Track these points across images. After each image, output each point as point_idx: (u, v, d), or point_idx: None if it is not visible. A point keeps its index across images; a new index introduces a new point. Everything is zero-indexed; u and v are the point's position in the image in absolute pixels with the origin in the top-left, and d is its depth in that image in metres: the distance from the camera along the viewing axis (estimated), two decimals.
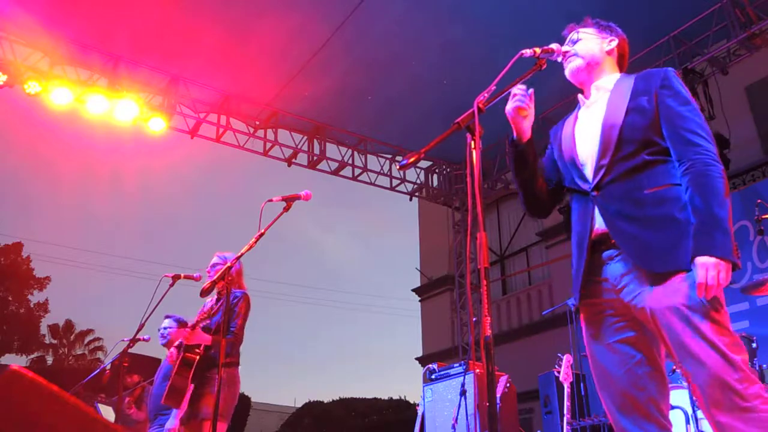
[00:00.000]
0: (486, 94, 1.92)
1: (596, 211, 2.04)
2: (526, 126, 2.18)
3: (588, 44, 2.24)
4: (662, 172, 1.98)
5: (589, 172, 2.08)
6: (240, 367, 3.98)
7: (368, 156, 9.76)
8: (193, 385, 3.79)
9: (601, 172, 2.03)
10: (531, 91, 2.14)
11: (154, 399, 4.79)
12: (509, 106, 2.13)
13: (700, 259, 1.81)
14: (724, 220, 1.84)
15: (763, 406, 1.74)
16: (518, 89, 2.11)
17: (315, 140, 9.31)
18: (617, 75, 2.21)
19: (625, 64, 2.28)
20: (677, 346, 1.84)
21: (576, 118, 2.24)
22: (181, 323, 4.96)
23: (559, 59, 2.25)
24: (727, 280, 1.80)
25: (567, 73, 2.27)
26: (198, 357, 3.84)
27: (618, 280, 1.99)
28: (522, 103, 2.11)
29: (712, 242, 1.81)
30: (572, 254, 2.13)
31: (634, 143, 2.00)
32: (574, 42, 2.27)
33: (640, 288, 1.93)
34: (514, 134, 2.21)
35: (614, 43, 2.25)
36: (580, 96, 2.27)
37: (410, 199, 10.72)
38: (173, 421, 4.24)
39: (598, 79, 2.21)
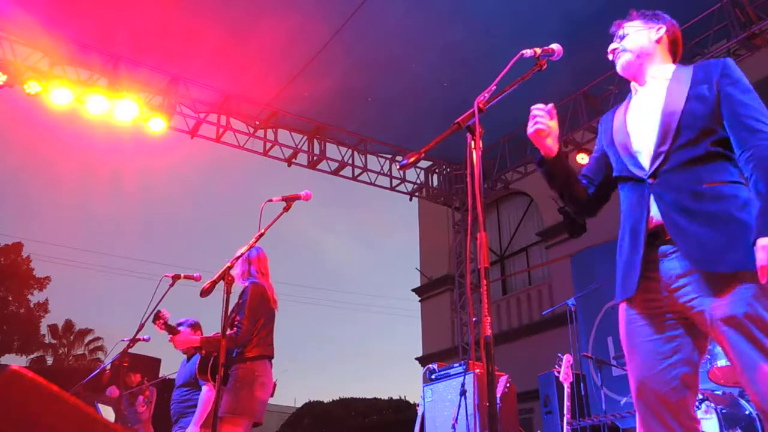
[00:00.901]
0: (486, 94, 1.91)
1: (652, 199, 1.98)
2: (549, 143, 2.15)
3: (635, 37, 2.22)
4: (723, 167, 1.94)
5: (645, 159, 2.03)
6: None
7: (368, 156, 9.76)
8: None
9: (659, 159, 1.98)
10: (550, 106, 2.13)
11: (172, 403, 4.80)
12: (530, 129, 2.13)
13: (762, 241, 1.75)
14: None
15: None
16: (537, 110, 2.11)
17: (315, 140, 9.31)
18: (673, 65, 2.18)
19: (679, 51, 2.25)
20: (738, 356, 1.80)
21: (627, 107, 2.21)
22: (193, 326, 4.97)
23: (610, 57, 2.28)
24: None
25: (618, 69, 2.25)
26: (212, 358, 3.82)
27: (673, 279, 1.94)
28: (541, 125, 2.10)
29: None
30: (621, 245, 2.07)
31: (695, 130, 1.96)
32: (622, 38, 2.25)
33: (699, 292, 1.88)
34: (541, 153, 2.20)
35: (662, 31, 2.22)
36: (633, 84, 2.24)
37: (410, 199, 10.72)
38: (193, 428, 4.26)
39: (651, 68, 2.19)
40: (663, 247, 1.97)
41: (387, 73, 8.10)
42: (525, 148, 9.47)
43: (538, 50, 2.10)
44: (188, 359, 5.00)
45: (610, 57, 2.27)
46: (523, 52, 2.05)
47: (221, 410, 3.59)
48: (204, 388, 4.38)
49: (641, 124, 2.10)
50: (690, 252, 1.88)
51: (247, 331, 3.70)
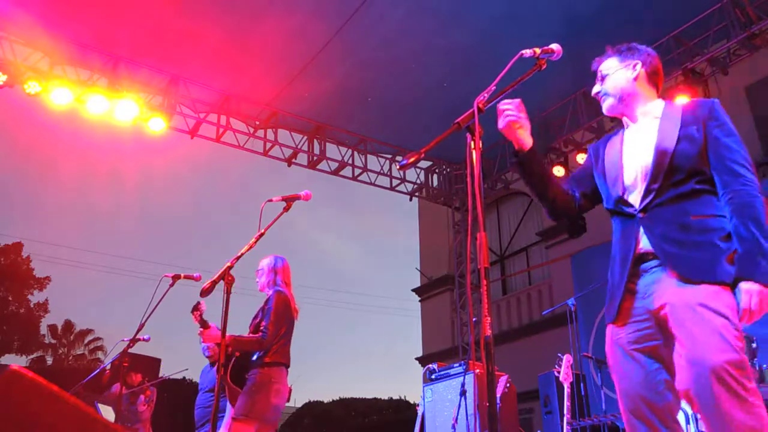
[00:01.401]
0: (486, 95, 1.92)
1: (641, 231, 2.10)
2: (522, 135, 2.23)
3: (614, 79, 2.27)
4: (708, 202, 2.05)
5: (635, 195, 2.14)
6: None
7: (368, 156, 9.76)
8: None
9: (651, 196, 2.09)
10: (518, 100, 2.19)
11: (197, 408, 4.82)
12: (501, 123, 2.19)
13: (745, 285, 1.89)
14: (767, 247, 1.91)
15: (758, 403, 1.80)
16: (505, 104, 2.17)
17: (315, 140, 9.31)
18: (660, 101, 2.25)
19: (659, 81, 2.30)
20: (686, 334, 1.90)
21: (622, 141, 2.27)
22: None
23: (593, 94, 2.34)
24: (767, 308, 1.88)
25: (604, 111, 2.33)
26: (233, 359, 3.86)
27: (647, 288, 2.07)
28: (513, 117, 2.17)
29: (757, 269, 1.89)
30: (611, 271, 2.23)
31: (684, 171, 2.06)
32: (602, 79, 2.31)
33: (663, 288, 2.01)
34: (515, 146, 2.26)
35: (639, 66, 2.26)
36: (625, 119, 2.30)
37: (410, 199, 10.72)
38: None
39: (638, 106, 2.25)
40: (646, 264, 2.10)
41: (387, 73, 8.10)
42: None
43: (538, 50, 2.11)
44: (211, 365, 5.04)
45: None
46: (523, 52, 2.06)
47: (235, 411, 3.68)
48: None
49: (634, 161, 2.18)
50: (677, 266, 2.00)
51: (272, 336, 3.79)
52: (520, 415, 7.05)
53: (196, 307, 3.78)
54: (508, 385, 5.02)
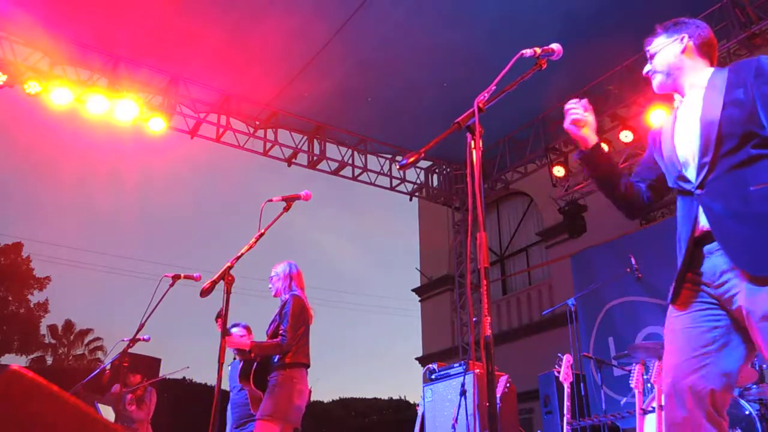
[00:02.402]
0: (486, 94, 1.92)
1: (700, 210, 2.02)
2: (586, 134, 2.25)
3: (662, 55, 2.24)
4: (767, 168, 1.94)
5: (691, 171, 2.07)
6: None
7: (368, 156, 9.76)
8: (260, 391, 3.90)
9: (704, 170, 2.01)
10: (584, 100, 2.24)
11: (235, 407, 4.82)
12: (566, 123, 2.24)
13: None
14: None
15: None
16: (571, 104, 2.22)
17: (315, 140, 9.31)
18: (709, 69, 2.18)
19: (712, 52, 2.24)
20: None
21: (675, 118, 2.22)
22: (246, 329, 5.02)
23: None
24: None
25: (655, 89, 2.30)
26: (255, 363, 3.96)
27: (716, 276, 1.98)
28: (577, 116, 2.22)
29: None
30: (677, 251, 2.13)
31: (736, 137, 1.96)
32: (651, 57, 2.28)
33: (738, 287, 1.91)
34: (580, 146, 2.29)
35: (686, 39, 2.21)
36: (676, 96, 2.26)
37: (410, 199, 10.72)
38: None
39: (687, 79, 2.20)
40: (708, 246, 2.00)
41: (387, 73, 8.10)
42: (525, 148, 9.47)
43: (538, 50, 2.10)
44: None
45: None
46: (523, 52, 2.05)
47: (259, 412, 3.77)
48: None
49: (684, 135, 2.12)
50: (736, 255, 1.90)
51: (291, 339, 3.91)
52: (520, 415, 7.06)
53: (220, 314, 3.82)
54: (508, 385, 5.01)
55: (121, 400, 6.07)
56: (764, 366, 4.29)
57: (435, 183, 10.78)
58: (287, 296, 4.09)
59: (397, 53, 7.72)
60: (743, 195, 1.91)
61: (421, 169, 10.58)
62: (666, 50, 2.23)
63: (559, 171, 9.00)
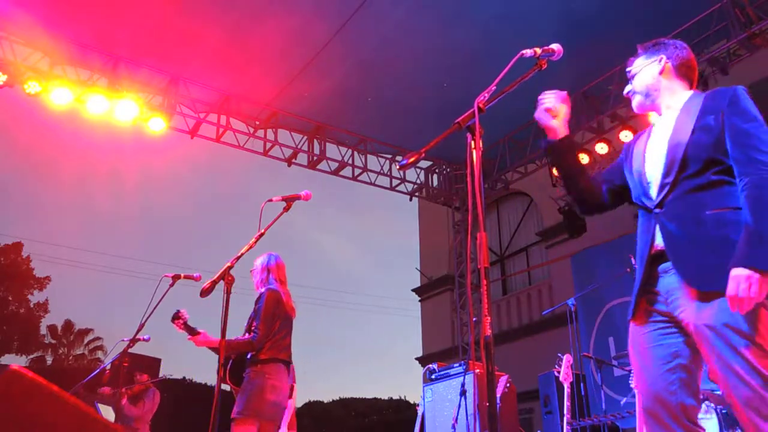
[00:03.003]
0: (486, 94, 1.92)
1: (657, 228, 2.08)
2: (555, 125, 2.28)
3: (641, 76, 2.28)
4: (727, 194, 1.98)
5: (653, 189, 2.12)
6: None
7: (368, 156, 9.76)
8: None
9: (665, 190, 2.07)
10: (564, 93, 2.29)
11: None
12: (537, 111, 2.27)
13: (734, 271, 1.82)
14: (765, 232, 1.82)
15: None
16: (546, 94, 2.27)
17: (315, 140, 9.31)
18: (688, 93, 2.22)
19: (691, 74, 2.27)
20: (718, 363, 1.88)
21: (648, 136, 2.28)
22: None
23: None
24: (762, 293, 1.79)
25: (634, 109, 2.35)
26: (230, 361, 3.89)
27: (668, 294, 2.05)
28: (549, 105, 2.26)
29: (748, 253, 1.81)
30: (637, 267, 2.19)
31: (700, 162, 2.02)
32: (632, 78, 2.32)
33: (686, 304, 1.98)
34: (548, 135, 2.32)
35: (664, 61, 2.24)
36: (653, 114, 2.30)
37: (410, 199, 10.71)
38: (282, 429, 4.31)
39: (664, 100, 2.24)
40: (663, 265, 2.08)
41: (387, 73, 8.10)
42: (525, 148, 9.47)
43: (538, 50, 2.11)
44: None
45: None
46: (523, 52, 2.06)
47: (233, 411, 3.68)
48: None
49: (653, 155, 2.18)
50: (685, 273, 1.97)
51: (263, 336, 3.80)
52: (520, 415, 7.06)
53: (176, 316, 3.74)
54: (508, 385, 5.02)
55: (113, 400, 6.09)
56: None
57: (435, 183, 10.78)
58: (263, 290, 3.97)
59: (397, 53, 7.72)
60: (699, 218, 1.97)
61: (421, 169, 10.58)
62: (645, 71, 2.27)
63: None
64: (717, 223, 1.95)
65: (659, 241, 2.06)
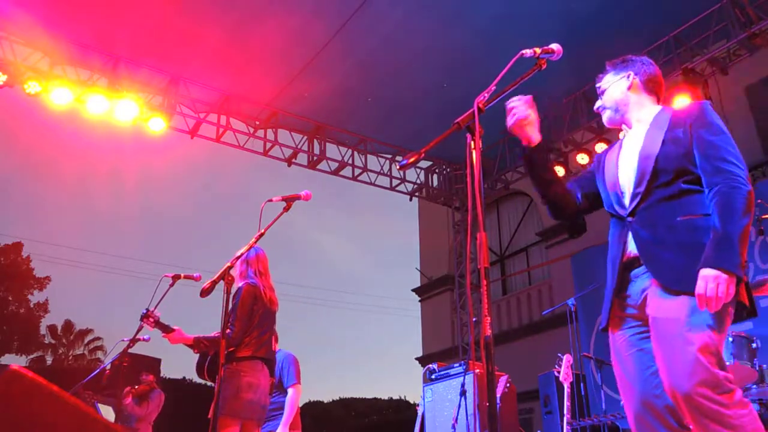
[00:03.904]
0: (486, 95, 1.92)
1: (630, 236, 2.15)
2: (529, 132, 2.30)
3: (610, 92, 2.36)
4: (697, 201, 2.06)
5: (627, 199, 2.20)
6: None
7: (368, 156, 9.76)
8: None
9: (637, 199, 2.15)
10: (528, 97, 2.26)
11: None
12: (509, 122, 2.27)
13: (703, 272, 1.89)
14: (733, 235, 1.90)
15: (738, 413, 1.82)
16: (513, 102, 2.24)
17: (315, 140, 9.31)
18: (656, 107, 2.30)
19: (657, 89, 2.35)
20: (660, 356, 1.94)
21: (620, 147, 2.34)
22: None
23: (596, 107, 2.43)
24: (729, 293, 1.86)
25: (605, 123, 2.44)
26: (209, 357, 3.80)
27: (639, 296, 2.12)
28: (521, 114, 2.25)
29: (717, 255, 1.89)
30: (607, 274, 2.26)
31: (670, 172, 2.10)
32: (602, 94, 2.40)
33: (651, 301, 2.05)
34: (522, 143, 2.35)
35: (631, 76, 2.32)
36: (624, 127, 2.37)
37: (410, 199, 10.72)
38: (282, 428, 4.34)
39: (633, 114, 2.31)
40: (635, 270, 2.15)
41: (387, 73, 8.10)
42: None
43: (538, 50, 2.11)
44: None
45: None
46: (523, 52, 2.06)
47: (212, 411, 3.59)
48: (290, 391, 4.52)
49: (625, 166, 2.26)
50: (658, 273, 2.03)
51: (240, 331, 3.68)
52: (520, 415, 7.05)
53: (146, 315, 3.68)
54: (508, 385, 5.01)
55: (120, 395, 6.09)
56: (764, 366, 4.29)
57: (435, 183, 10.78)
58: (241, 284, 3.83)
59: (397, 53, 7.72)
60: (670, 224, 2.05)
61: (421, 169, 10.58)
62: (613, 87, 2.35)
63: (559, 171, 9.00)
64: (688, 228, 2.03)
65: (632, 248, 2.14)
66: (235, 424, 3.58)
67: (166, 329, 3.70)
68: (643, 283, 2.10)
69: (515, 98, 2.24)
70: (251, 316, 3.76)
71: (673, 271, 1.99)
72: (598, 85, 2.41)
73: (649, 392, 2.04)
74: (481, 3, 6.99)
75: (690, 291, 1.91)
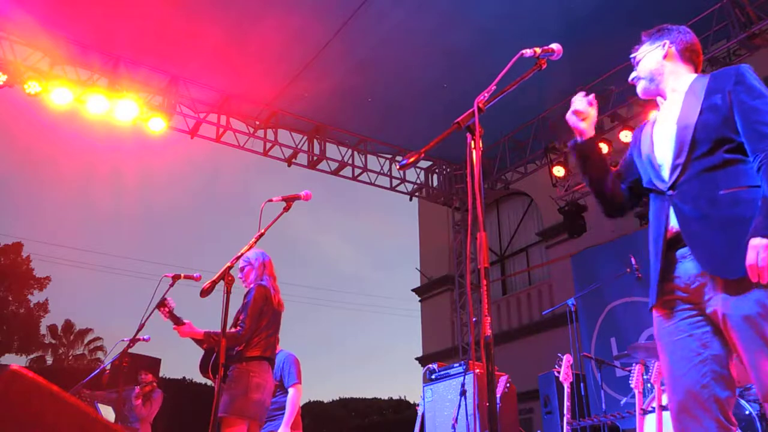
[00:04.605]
0: (486, 94, 1.92)
1: (671, 210, 2.05)
2: (584, 126, 2.31)
3: (645, 62, 2.29)
4: (741, 172, 1.96)
5: (665, 172, 2.11)
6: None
7: (368, 156, 9.76)
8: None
9: (677, 172, 2.05)
10: (591, 96, 2.29)
11: None
12: (568, 113, 2.30)
13: (753, 241, 1.80)
14: None
15: None
16: (577, 98, 2.29)
17: (315, 140, 9.31)
18: (692, 75, 2.22)
19: (696, 58, 2.28)
20: (747, 352, 1.86)
21: (655, 120, 2.28)
22: None
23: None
24: None
25: (639, 94, 2.34)
26: (213, 355, 3.78)
27: (691, 279, 2.01)
28: (579, 107, 2.29)
29: (767, 224, 1.80)
30: (650, 252, 2.15)
31: (709, 142, 2.00)
32: (636, 64, 2.33)
33: (712, 292, 1.95)
34: (577, 137, 2.35)
35: (667, 45, 2.25)
36: (659, 99, 2.30)
37: (410, 199, 10.72)
38: (284, 428, 4.35)
39: (669, 83, 2.24)
40: (681, 250, 2.04)
41: (387, 73, 8.10)
42: (525, 148, 9.47)
43: (538, 50, 2.10)
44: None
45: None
46: (523, 51, 2.06)
47: (219, 411, 3.59)
48: (291, 390, 4.53)
49: (662, 137, 2.17)
50: (702, 258, 1.95)
51: (249, 330, 3.73)
52: (520, 415, 7.05)
53: (162, 303, 3.71)
54: (508, 385, 5.01)
55: (127, 396, 6.09)
56: None
57: (435, 183, 10.78)
58: (253, 285, 3.93)
59: (397, 53, 7.72)
60: (712, 198, 1.95)
61: (421, 169, 10.58)
62: (649, 56, 2.28)
63: (559, 171, 9.00)
64: (731, 202, 1.93)
65: (674, 223, 2.04)
66: (243, 423, 3.62)
67: (178, 321, 3.73)
68: (689, 266, 2.01)
69: (581, 94, 2.28)
70: (261, 317, 3.83)
71: (715, 256, 1.90)
72: (632, 56, 2.34)
73: (697, 381, 1.95)
74: (481, 3, 6.99)
75: (740, 276, 1.83)
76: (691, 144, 2.03)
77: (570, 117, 2.30)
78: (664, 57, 2.24)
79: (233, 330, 3.73)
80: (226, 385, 3.68)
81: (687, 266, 2.02)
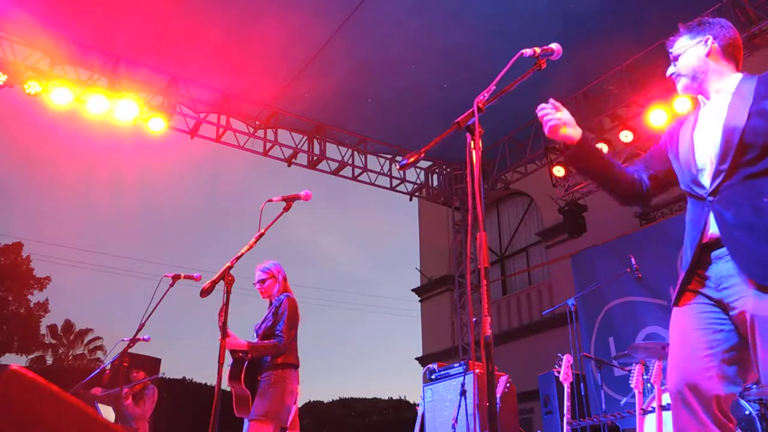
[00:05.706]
0: (486, 94, 1.91)
1: (711, 216, 1.99)
2: (568, 132, 2.18)
3: (686, 58, 2.18)
4: None
5: (706, 176, 2.03)
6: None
7: (368, 156, 9.76)
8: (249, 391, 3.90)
9: (720, 177, 1.98)
10: (551, 101, 2.18)
11: None
12: (546, 130, 2.18)
13: None
14: None
15: None
16: (542, 110, 2.15)
17: (315, 140, 9.31)
18: (737, 75, 2.13)
19: (738, 55, 2.18)
20: (763, 350, 1.83)
21: (696, 120, 2.18)
22: None
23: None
24: None
25: (679, 91, 2.25)
26: (246, 363, 3.94)
27: (721, 280, 1.98)
28: (553, 121, 2.15)
29: None
30: (683, 254, 2.10)
31: (757, 148, 1.93)
32: (675, 59, 2.22)
33: (743, 293, 1.91)
34: (567, 142, 2.23)
35: (710, 41, 2.14)
36: (700, 97, 2.21)
37: (410, 199, 10.72)
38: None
39: (712, 83, 2.14)
40: (717, 251, 1.99)
41: (387, 73, 8.10)
42: (525, 148, 9.47)
43: (538, 50, 2.10)
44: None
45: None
46: (523, 51, 2.05)
47: (252, 412, 3.78)
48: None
49: (705, 140, 2.08)
50: (744, 264, 1.89)
51: (288, 340, 3.95)
52: (520, 415, 7.06)
53: (223, 310, 3.79)
54: (508, 385, 5.01)
55: (118, 397, 6.08)
56: None
57: (435, 183, 10.78)
58: (282, 297, 4.12)
59: (397, 53, 7.72)
60: (756, 206, 1.89)
61: (421, 169, 10.58)
62: (690, 52, 2.17)
63: (559, 171, 9.00)
64: None
65: (714, 230, 1.98)
66: (275, 427, 3.79)
67: (225, 334, 3.77)
68: (725, 266, 1.96)
69: (542, 106, 2.15)
70: (294, 327, 4.06)
71: (761, 264, 1.84)
72: (670, 50, 2.23)
73: (701, 373, 1.93)
74: (481, 3, 6.99)
75: None
76: (738, 149, 1.95)
77: (550, 134, 2.17)
78: (708, 54, 2.14)
79: (272, 341, 3.94)
80: (263, 390, 3.85)
81: (721, 267, 1.98)
